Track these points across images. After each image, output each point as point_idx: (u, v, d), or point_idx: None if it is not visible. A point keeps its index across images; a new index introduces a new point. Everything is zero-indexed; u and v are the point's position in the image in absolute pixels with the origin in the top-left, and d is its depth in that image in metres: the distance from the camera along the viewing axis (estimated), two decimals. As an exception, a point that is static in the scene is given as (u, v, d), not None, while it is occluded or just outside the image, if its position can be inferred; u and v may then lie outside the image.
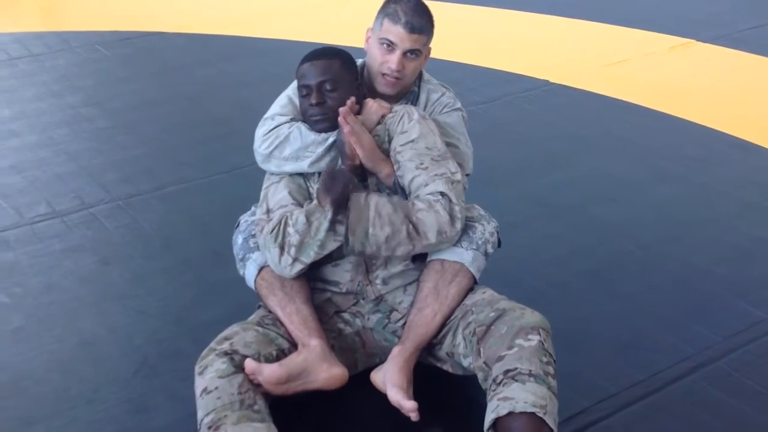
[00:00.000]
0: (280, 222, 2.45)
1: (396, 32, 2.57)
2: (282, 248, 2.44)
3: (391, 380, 2.37)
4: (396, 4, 2.60)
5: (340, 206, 2.40)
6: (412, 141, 2.54)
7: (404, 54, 2.58)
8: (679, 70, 5.35)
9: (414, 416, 2.29)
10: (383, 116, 2.59)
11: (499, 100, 4.81)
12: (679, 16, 6.29)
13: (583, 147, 4.31)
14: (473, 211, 2.62)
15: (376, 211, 2.41)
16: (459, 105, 2.77)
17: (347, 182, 2.40)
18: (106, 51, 5.52)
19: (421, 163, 2.51)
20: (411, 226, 2.42)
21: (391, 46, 2.58)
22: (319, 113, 2.51)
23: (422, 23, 2.60)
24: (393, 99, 2.69)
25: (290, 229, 2.43)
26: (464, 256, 2.51)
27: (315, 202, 2.44)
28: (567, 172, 4.02)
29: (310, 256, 2.46)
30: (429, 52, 2.70)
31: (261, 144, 2.59)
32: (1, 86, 4.95)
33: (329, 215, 2.40)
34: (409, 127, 2.56)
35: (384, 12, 2.63)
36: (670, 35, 5.86)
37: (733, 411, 2.55)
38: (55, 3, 6.79)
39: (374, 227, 2.40)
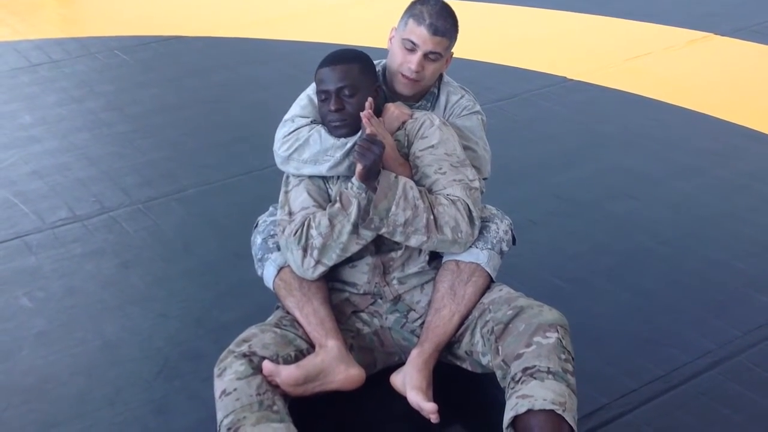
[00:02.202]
0: (302, 224, 2.46)
1: (419, 33, 2.57)
2: (305, 250, 2.46)
3: (410, 382, 2.37)
4: (422, 6, 2.60)
5: (370, 176, 2.40)
6: (432, 146, 2.55)
7: (425, 55, 2.58)
8: (698, 64, 5.32)
9: (434, 418, 2.30)
10: (403, 122, 2.60)
11: (517, 97, 4.80)
12: (697, 10, 6.26)
13: (601, 143, 4.30)
14: (485, 211, 2.63)
15: (403, 191, 2.42)
16: (478, 108, 2.76)
17: (381, 153, 2.40)
18: (126, 56, 5.56)
19: (440, 168, 2.52)
20: (432, 217, 2.43)
21: (413, 47, 2.58)
22: (338, 119, 2.51)
23: (446, 26, 2.59)
24: (412, 99, 2.69)
25: (313, 232, 2.45)
26: (479, 256, 2.52)
27: (338, 204, 2.45)
28: (585, 169, 4.01)
29: (332, 258, 2.47)
30: (451, 57, 2.69)
31: (281, 146, 2.60)
32: (23, 92, 5.00)
33: (353, 213, 2.41)
34: (429, 133, 2.57)
35: (409, 12, 2.62)
36: (688, 29, 5.83)
37: (754, 405, 2.54)
38: (74, 9, 6.85)
39: (397, 207, 2.40)
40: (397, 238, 2.46)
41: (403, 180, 2.44)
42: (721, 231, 3.48)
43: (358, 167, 2.41)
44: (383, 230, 2.44)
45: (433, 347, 2.45)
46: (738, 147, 4.20)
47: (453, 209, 2.45)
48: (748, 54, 5.45)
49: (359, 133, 2.49)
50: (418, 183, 2.51)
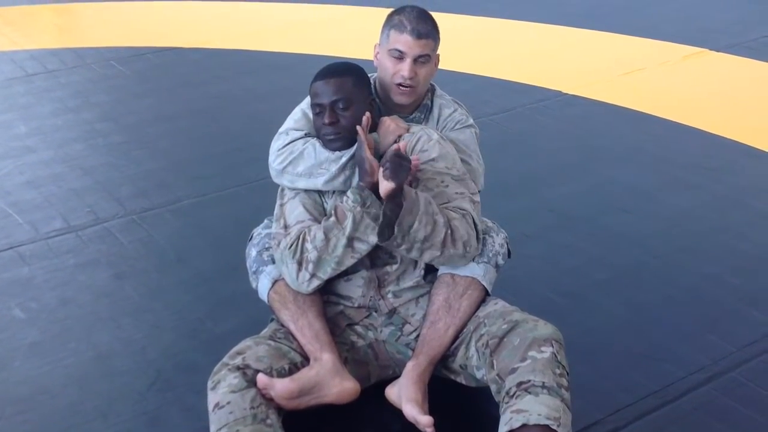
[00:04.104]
0: (298, 238, 2.46)
1: (404, 41, 2.59)
2: (300, 264, 2.45)
3: (406, 395, 2.36)
4: (399, 15, 2.63)
5: (397, 194, 2.36)
6: (432, 160, 2.55)
7: (414, 61, 2.60)
8: (693, 80, 5.34)
9: (430, 431, 2.29)
10: (400, 136, 2.60)
11: (512, 111, 4.81)
12: (692, 26, 6.28)
13: (595, 157, 4.30)
14: (482, 224, 2.63)
15: (425, 207, 2.40)
16: (471, 122, 2.78)
17: (410, 170, 2.36)
18: (122, 67, 5.56)
19: (442, 181, 2.53)
20: (449, 231, 2.42)
21: (401, 55, 2.60)
22: (332, 132, 2.51)
23: (428, 29, 2.62)
24: (407, 109, 2.70)
25: (308, 245, 2.44)
26: (476, 269, 2.52)
27: (333, 218, 2.44)
28: (580, 183, 4.02)
29: (327, 272, 2.46)
30: (438, 59, 2.72)
31: (275, 159, 2.60)
32: (18, 102, 4.99)
33: (348, 229, 2.39)
34: (429, 147, 2.57)
35: (389, 24, 2.65)
36: (683, 44, 5.85)
37: (748, 421, 2.55)
38: (70, 20, 6.84)
39: (419, 223, 2.37)
40: (413, 255, 2.44)
41: (422, 195, 2.41)
42: (715, 246, 3.48)
43: (389, 185, 2.32)
44: (402, 246, 2.40)
45: (428, 360, 2.45)
46: (732, 162, 4.22)
47: (465, 224, 2.46)
48: (743, 70, 5.47)
49: (354, 147, 2.49)
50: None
